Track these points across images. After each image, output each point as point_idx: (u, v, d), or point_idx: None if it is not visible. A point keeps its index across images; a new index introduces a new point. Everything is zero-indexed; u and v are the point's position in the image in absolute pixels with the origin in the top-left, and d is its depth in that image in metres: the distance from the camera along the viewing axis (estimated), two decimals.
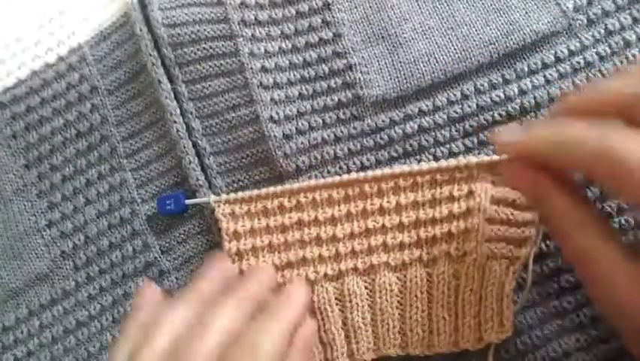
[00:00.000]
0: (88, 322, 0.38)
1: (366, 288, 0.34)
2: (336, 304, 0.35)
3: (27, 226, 0.39)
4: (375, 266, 0.34)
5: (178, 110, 0.38)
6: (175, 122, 0.37)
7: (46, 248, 0.39)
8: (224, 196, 0.35)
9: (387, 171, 0.34)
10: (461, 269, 0.33)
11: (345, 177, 0.34)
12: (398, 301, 0.34)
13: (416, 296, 0.34)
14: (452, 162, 0.34)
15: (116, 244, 0.38)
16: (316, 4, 0.38)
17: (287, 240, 0.35)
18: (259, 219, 0.35)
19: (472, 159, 0.34)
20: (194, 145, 0.38)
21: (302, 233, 0.35)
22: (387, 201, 0.34)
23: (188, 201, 0.37)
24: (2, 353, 0.38)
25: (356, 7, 0.38)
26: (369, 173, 0.34)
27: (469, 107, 0.36)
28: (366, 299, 0.34)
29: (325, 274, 0.35)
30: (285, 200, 0.35)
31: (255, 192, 0.35)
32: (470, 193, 0.34)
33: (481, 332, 0.33)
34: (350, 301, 0.34)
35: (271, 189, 0.35)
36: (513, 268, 0.33)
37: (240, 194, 0.35)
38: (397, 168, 0.34)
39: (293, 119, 0.37)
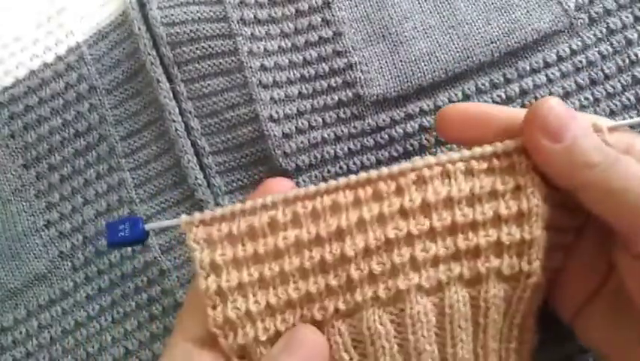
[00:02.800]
0: (87, 322, 0.37)
1: (392, 322, 0.26)
2: (355, 348, 0.26)
3: (25, 226, 0.39)
4: (403, 292, 0.26)
5: (177, 110, 0.37)
6: (174, 121, 0.37)
7: (44, 248, 0.39)
8: (197, 215, 0.27)
9: (406, 165, 0.26)
10: (513, 292, 0.26)
11: (353, 177, 0.27)
12: (436, 334, 0.26)
13: (460, 327, 0.26)
14: (487, 147, 0.26)
15: None
16: (316, 2, 0.38)
17: (284, 269, 0.26)
18: (244, 245, 0.27)
19: (509, 142, 0.26)
20: (193, 144, 0.37)
21: (302, 258, 0.26)
22: (410, 200, 0.26)
23: (149, 226, 0.28)
24: (1, 354, 0.38)
25: (356, 6, 0.38)
26: (384, 169, 0.26)
27: None
28: (395, 338, 0.26)
29: (337, 310, 0.26)
30: (279, 213, 0.26)
31: (239, 206, 0.27)
32: (518, 189, 0.26)
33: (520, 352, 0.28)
34: (373, 344, 0.26)
35: (258, 200, 0.27)
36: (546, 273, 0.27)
37: (219, 210, 0.27)
38: (418, 160, 0.27)
39: (293, 118, 0.37)
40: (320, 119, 0.37)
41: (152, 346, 0.36)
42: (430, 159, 0.26)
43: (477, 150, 0.26)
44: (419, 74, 0.36)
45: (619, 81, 0.36)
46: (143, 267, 0.37)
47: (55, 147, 0.40)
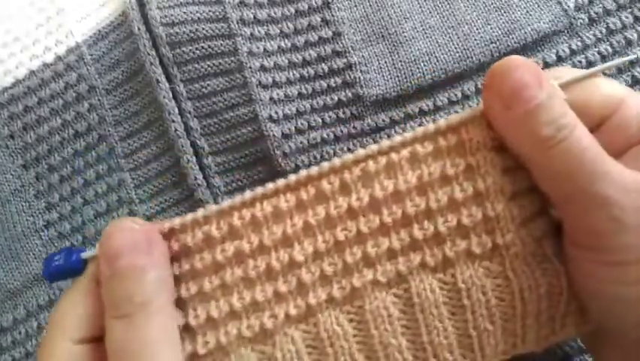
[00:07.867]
0: None
1: (351, 321, 0.25)
2: (310, 354, 0.25)
3: (25, 226, 0.39)
4: (359, 289, 0.25)
5: (176, 110, 0.37)
6: (173, 121, 0.37)
7: (44, 249, 0.39)
8: None
9: (348, 156, 0.25)
10: (501, 267, 0.25)
11: (293, 177, 0.26)
12: (405, 326, 0.25)
13: (432, 314, 0.25)
14: (430, 126, 0.25)
15: None
16: (316, 2, 0.38)
17: (224, 282, 0.25)
18: (179, 262, 0.26)
19: (454, 117, 0.25)
20: (193, 145, 0.37)
21: (245, 268, 0.25)
22: (358, 199, 0.25)
23: (85, 255, 0.27)
24: (0, 355, 0.38)
25: (356, 6, 0.38)
26: (325, 164, 0.25)
27: (470, 106, 0.36)
28: (355, 336, 0.25)
29: (287, 316, 0.25)
30: (213, 227, 0.25)
31: (167, 223, 0.25)
32: (469, 168, 0.25)
33: (554, 329, 0.25)
34: (332, 346, 0.25)
35: (189, 216, 0.25)
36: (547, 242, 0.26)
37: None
38: (360, 151, 0.25)
39: (292, 118, 0.37)
40: (319, 120, 0.37)
41: None
42: (373, 147, 0.25)
43: (419, 131, 0.25)
44: (419, 74, 0.36)
45: (619, 81, 0.36)
46: None
47: (54, 147, 0.39)
